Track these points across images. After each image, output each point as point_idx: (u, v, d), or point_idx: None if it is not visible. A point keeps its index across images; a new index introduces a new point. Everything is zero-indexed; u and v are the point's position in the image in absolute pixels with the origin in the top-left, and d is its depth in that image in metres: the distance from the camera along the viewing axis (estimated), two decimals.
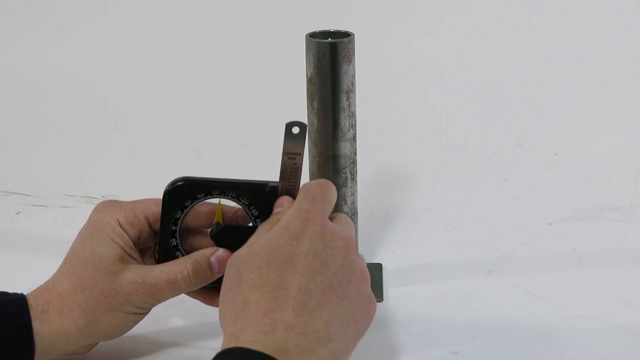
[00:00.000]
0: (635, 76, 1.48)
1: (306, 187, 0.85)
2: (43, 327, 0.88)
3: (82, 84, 1.55)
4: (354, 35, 1.02)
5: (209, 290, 0.93)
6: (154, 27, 1.60)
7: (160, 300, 0.90)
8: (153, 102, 1.51)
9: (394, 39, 1.55)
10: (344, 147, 1.04)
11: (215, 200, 0.93)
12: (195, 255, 0.90)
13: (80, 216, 1.22)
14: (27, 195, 1.29)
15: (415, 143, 1.40)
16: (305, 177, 1.07)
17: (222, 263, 0.89)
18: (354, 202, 1.06)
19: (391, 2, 1.58)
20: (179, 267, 0.89)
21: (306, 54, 1.02)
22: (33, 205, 1.26)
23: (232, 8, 1.59)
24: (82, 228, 0.92)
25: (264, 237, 0.81)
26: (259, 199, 0.92)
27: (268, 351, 0.72)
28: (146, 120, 1.48)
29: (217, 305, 0.82)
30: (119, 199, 1.10)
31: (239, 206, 0.92)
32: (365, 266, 0.81)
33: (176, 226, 0.93)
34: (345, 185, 1.05)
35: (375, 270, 1.10)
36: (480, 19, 1.56)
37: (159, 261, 0.92)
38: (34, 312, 0.88)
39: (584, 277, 1.07)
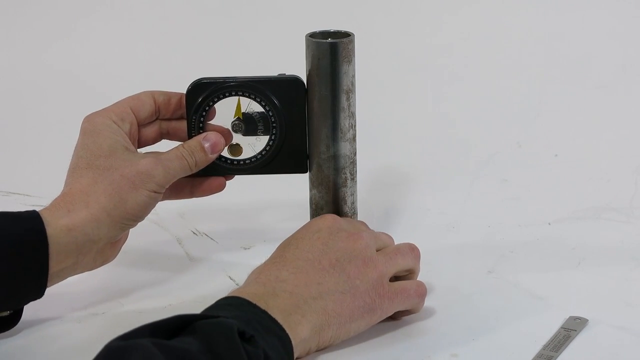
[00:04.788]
0: (635, 76, 1.48)
1: None
2: (75, 221, 0.93)
3: (82, 84, 1.54)
4: (354, 35, 1.02)
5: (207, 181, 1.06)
6: (154, 27, 1.60)
7: (174, 176, 0.99)
8: None
9: (394, 39, 1.55)
10: (344, 147, 1.04)
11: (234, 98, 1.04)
12: (192, 139, 1.03)
13: None
14: (27, 195, 1.29)
15: (415, 143, 1.40)
16: (304, 178, 1.07)
17: (214, 145, 1.02)
18: (353, 202, 1.06)
19: (391, 2, 1.58)
20: (181, 147, 1.01)
21: (306, 54, 1.02)
22: (33, 206, 1.26)
23: (232, 8, 1.59)
24: (78, 139, 0.99)
25: None
26: (268, 91, 1.03)
27: (257, 295, 0.87)
28: None
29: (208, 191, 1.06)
30: None
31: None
32: (380, 262, 0.94)
33: (201, 124, 1.04)
34: (345, 185, 1.05)
35: None
36: (481, 19, 1.56)
37: None
38: (60, 214, 0.94)
39: (584, 277, 1.07)
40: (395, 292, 0.94)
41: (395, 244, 1.01)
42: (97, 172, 0.96)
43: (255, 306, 0.86)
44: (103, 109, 1.01)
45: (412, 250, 0.98)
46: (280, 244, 0.97)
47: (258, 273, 0.92)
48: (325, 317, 0.89)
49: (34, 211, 0.94)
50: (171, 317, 0.79)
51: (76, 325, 0.99)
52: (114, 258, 1.00)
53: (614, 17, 1.52)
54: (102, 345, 0.78)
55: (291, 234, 0.97)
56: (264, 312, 0.85)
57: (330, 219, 0.97)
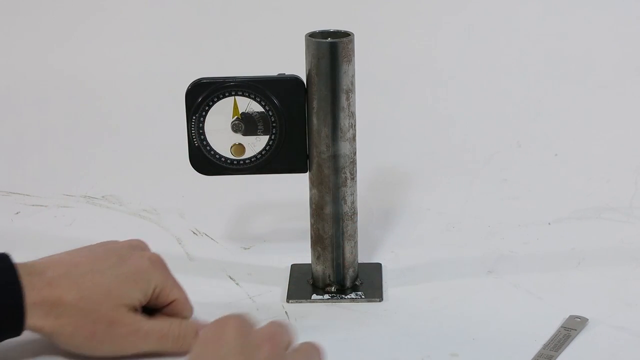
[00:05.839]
0: (635, 76, 1.48)
1: None
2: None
3: (81, 84, 1.54)
4: (353, 35, 1.02)
5: None
6: (154, 27, 1.60)
7: (140, 348, 0.91)
8: (152, 102, 1.51)
9: (394, 39, 1.55)
10: (344, 147, 1.04)
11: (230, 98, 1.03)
12: (189, 325, 0.94)
13: (80, 216, 1.23)
14: (27, 195, 1.29)
15: (415, 143, 1.40)
16: (304, 178, 1.07)
17: None
18: (353, 202, 1.06)
19: (391, 2, 1.58)
20: (174, 326, 0.93)
21: (306, 53, 1.02)
22: (33, 205, 1.26)
23: (232, 8, 1.59)
24: (127, 246, 0.95)
25: None
26: (268, 91, 1.02)
27: None
28: (146, 120, 1.48)
29: None
30: (119, 199, 1.10)
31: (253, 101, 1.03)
32: None
33: (201, 124, 1.02)
34: (345, 185, 1.05)
35: (375, 270, 1.10)
36: (481, 19, 1.56)
37: (191, 161, 1.03)
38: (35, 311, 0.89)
39: (584, 277, 1.07)
40: None
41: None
42: (84, 300, 0.90)
43: None
44: (167, 272, 0.96)
45: None
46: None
47: None
48: None
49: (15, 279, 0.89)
50: None
51: None
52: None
53: (614, 17, 1.52)
54: None
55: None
56: None
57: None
